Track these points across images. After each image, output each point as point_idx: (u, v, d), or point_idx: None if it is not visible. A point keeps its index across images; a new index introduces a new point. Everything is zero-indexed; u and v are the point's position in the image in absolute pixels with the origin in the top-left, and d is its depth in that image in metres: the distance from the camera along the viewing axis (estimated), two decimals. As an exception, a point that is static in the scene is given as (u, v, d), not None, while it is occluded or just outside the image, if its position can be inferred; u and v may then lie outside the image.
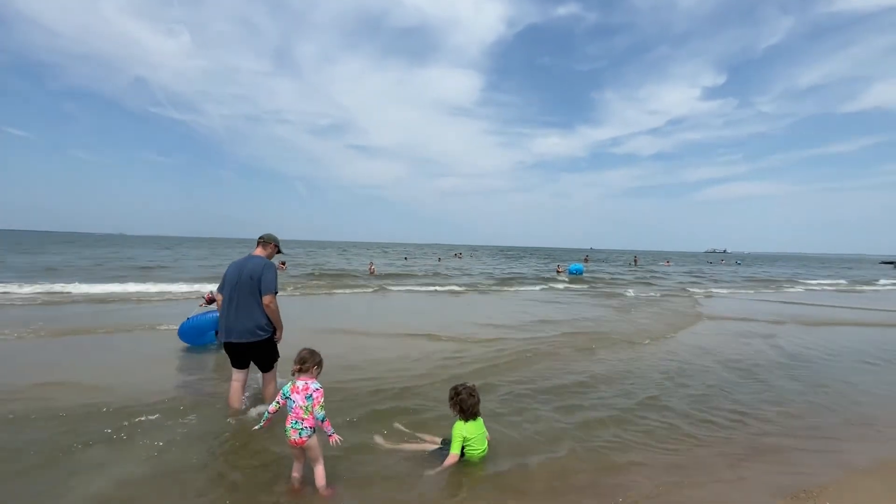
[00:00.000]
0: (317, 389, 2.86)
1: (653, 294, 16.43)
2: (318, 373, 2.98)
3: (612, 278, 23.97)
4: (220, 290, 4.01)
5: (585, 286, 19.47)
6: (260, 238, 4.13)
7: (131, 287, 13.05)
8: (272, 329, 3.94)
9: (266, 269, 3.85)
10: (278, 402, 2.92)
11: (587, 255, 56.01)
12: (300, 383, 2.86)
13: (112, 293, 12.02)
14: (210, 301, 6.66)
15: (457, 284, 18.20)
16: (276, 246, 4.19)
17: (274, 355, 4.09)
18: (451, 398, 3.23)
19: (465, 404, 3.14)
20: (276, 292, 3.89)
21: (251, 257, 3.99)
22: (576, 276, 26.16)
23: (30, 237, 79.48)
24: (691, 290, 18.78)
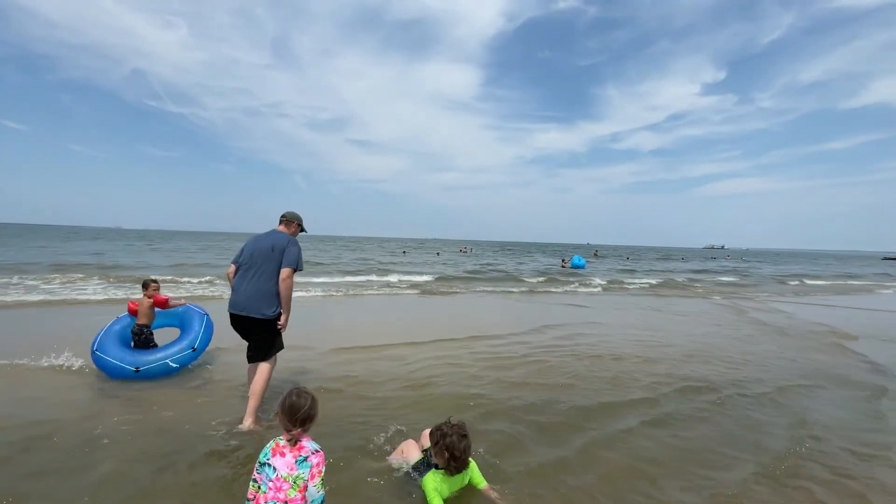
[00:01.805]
0: (316, 451, 1.96)
1: (726, 302, 13.63)
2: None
3: (687, 281, 21.15)
4: (234, 261, 3.66)
5: (654, 286, 18.05)
6: (282, 216, 3.79)
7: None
8: (279, 311, 3.50)
9: (291, 244, 3.57)
10: (254, 480, 1.95)
11: (596, 251, 56.85)
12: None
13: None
14: (133, 312, 4.73)
15: (513, 286, 16.14)
16: (300, 225, 3.84)
17: (271, 343, 3.57)
18: (436, 442, 2.32)
19: (455, 449, 2.24)
20: (297, 270, 3.54)
21: (274, 231, 3.70)
22: (578, 269, 26.35)
23: (22, 230, 77.92)
24: (756, 294, 16.16)
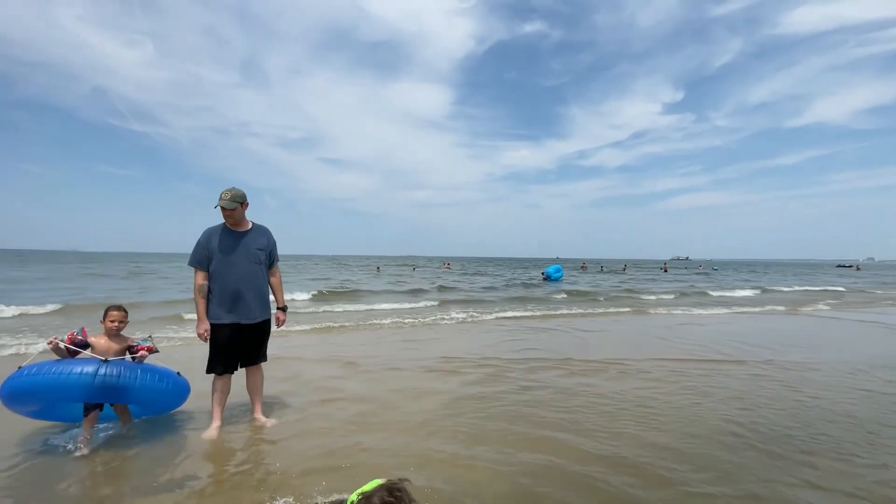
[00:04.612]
0: None
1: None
2: None
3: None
4: None
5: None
6: None
7: None
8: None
9: None
10: None
11: (584, 264, 53.99)
12: None
13: None
14: (72, 350, 2.94)
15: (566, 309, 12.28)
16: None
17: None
18: None
19: None
20: (190, 265, 3.27)
21: None
22: (555, 279, 26.20)
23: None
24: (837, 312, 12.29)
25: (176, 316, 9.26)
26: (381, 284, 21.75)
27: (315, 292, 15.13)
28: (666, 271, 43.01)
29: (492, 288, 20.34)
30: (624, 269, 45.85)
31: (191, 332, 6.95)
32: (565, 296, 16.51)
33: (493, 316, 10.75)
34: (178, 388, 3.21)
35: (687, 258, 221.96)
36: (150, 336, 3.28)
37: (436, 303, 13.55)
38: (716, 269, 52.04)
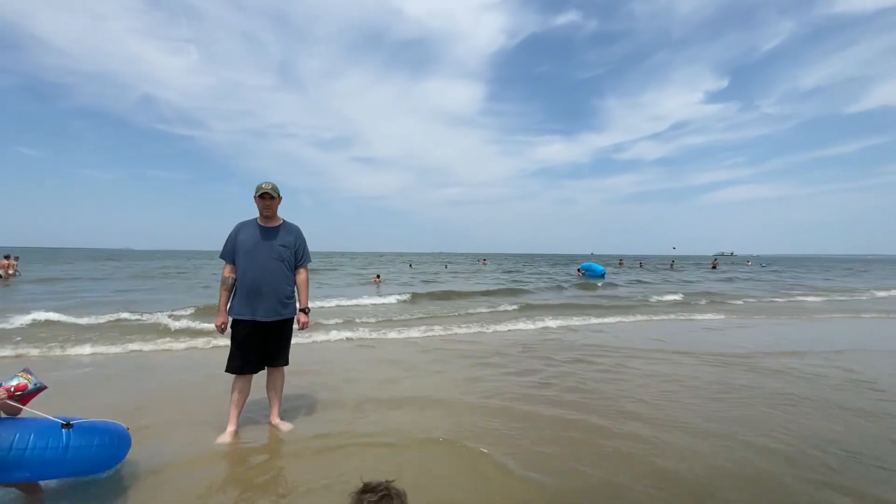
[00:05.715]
0: None
1: None
2: None
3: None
4: None
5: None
6: None
7: None
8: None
9: None
10: None
11: (621, 260, 51.26)
12: None
13: None
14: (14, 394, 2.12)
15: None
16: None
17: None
18: None
19: None
20: (220, 257, 3.28)
21: None
22: (596, 277, 24.33)
23: (38, 254, 77.66)
24: None
25: (157, 329, 7.81)
26: (425, 285, 20.37)
27: (408, 296, 13.80)
28: (715, 268, 40.77)
29: (555, 288, 18.97)
30: (672, 266, 43.43)
31: (168, 343, 6.78)
32: (662, 299, 14.58)
33: (594, 321, 9.33)
34: (79, 448, 2.15)
35: (732, 254, 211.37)
36: (22, 371, 2.23)
37: (515, 307, 12.15)
38: (764, 266, 47.42)
